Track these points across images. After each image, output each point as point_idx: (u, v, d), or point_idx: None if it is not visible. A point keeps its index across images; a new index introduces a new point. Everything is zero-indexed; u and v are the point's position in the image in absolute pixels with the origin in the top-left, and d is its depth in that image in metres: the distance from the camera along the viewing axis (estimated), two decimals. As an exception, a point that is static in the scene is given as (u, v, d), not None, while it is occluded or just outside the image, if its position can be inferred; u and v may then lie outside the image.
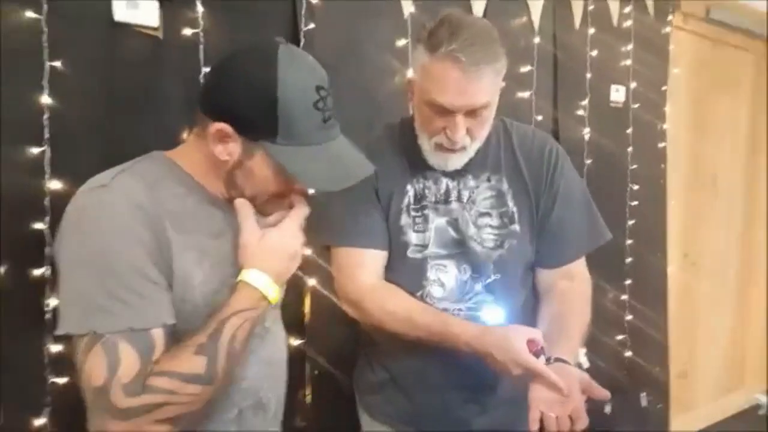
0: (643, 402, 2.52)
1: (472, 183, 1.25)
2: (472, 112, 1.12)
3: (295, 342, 1.63)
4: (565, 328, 1.19)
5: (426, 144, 1.20)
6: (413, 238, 1.24)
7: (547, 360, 1.11)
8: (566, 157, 1.31)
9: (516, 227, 1.25)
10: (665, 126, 2.60)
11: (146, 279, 0.83)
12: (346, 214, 1.25)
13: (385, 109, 1.72)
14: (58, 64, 1.27)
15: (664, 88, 2.59)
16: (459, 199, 1.24)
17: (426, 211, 1.25)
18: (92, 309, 0.81)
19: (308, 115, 0.87)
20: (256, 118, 0.86)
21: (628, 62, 2.43)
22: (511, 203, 1.25)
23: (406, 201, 1.25)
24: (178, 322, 0.88)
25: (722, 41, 2.94)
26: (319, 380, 1.69)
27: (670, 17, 2.60)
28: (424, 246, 1.24)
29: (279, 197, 0.95)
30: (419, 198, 1.25)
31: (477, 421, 1.27)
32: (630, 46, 2.42)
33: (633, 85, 2.45)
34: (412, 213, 1.25)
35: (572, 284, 1.26)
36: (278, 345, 1.07)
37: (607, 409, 2.34)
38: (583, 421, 1.04)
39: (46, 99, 1.27)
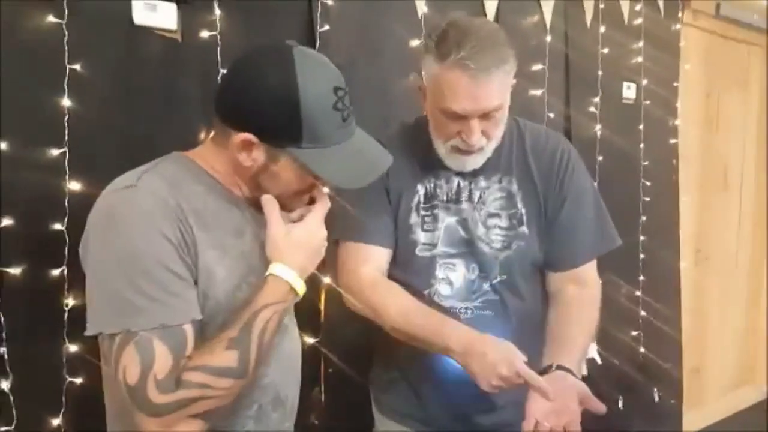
0: (656, 398, 2.52)
1: (483, 183, 1.25)
2: (485, 115, 1.13)
3: (310, 340, 1.64)
4: (569, 335, 1.19)
5: (442, 148, 1.21)
6: (422, 236, 1.25)
7: (549, 367, 1.12)
8: (579, 160, 1.31)
9: (524, 229, 1.25)
10: (677, 122, 2.60)
11: (175, 276, 0.84)
12: (354, 210, 1.26)
13: (400, 108, 1.72)
14: (78, 66, 1.29)
15: (675, 84, 2.58)
16: (470, 199, 1.25)
17: (436, 211, 1.25)
18: (124, 308, 0.82)
19: (329, 117, 0.89)
20: (280, 125, 0.87)
21: (640, 59, 2.43)
22: (520, 205, 1.25)
23: (416, 200, 1.26)
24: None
25: (732, 37, 2.93)
26: (334, 378, 1.70)
27: (680, 14, 2.59)
28: (433, 245, 1.25)
29: (302, 193, 0.97)
30: (430, 197, 1.26)
31: (485, 419, 1.28)
32: (641, 44, 2.42)
33: (644, 81, 2.45)
34: (422, 212, 1.26)
35: (580, 289, 1.26)
36: (295, 341, 1.08)
37: (620, 404, 2.35)
38: (577, 427, 1.04)
39: (66, 101, 1.28)
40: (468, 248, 1.25)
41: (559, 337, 1.19)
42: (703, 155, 2.88)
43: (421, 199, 1.26)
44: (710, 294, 3.01)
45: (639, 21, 2.41)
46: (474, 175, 1.25)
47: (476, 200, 1.25)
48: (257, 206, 1.00)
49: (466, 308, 1.24)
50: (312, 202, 1.00)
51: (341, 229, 1.28)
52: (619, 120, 2.37)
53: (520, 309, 1.26)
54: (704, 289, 2.95)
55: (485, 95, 1.10)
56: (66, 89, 1.29)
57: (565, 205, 1.25)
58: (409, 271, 1.26)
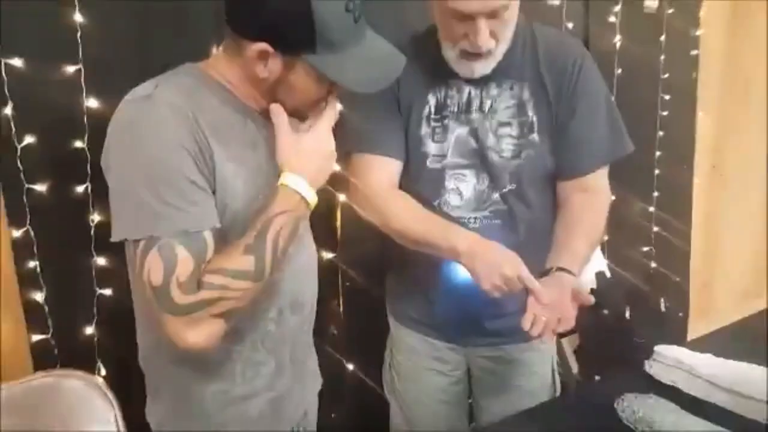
0: (663, 308, 2.59)
1: (494, 91, 1.24)
2: (493, 14, 1.10)
3: (328, 255, 1.69)
4: (571, 239, 1.21)
5: (450, 52, 1.18)
6: (432, 148, 1.26)
7: (549, 270, 1.15)
8: (593, 66, 1.27)
9: (535, 137, 1.24)
10: (698, 33, 2.51)
11: (194, 185, 0.87)
12: (365, 123, 1.27)
13: (413, 14, 1.68)
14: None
15: (700, -9, 2.47)
16: (481, 108, 1.24)
17: (446, 121, 1.25)
18: (147, 214, 0.85)
19: (342, 20, 0.88)
20: (295, 32, 0.86)
21: (664, -36, 2.31)
22: (531, 112, 1.24)
23: (426, 111, 1.25)
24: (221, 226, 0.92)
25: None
26: (351, 291, 1.77)
27: None
28: (443, 156, 1.25)
29: (318, 102, 0.97)
30: (440, 107, 1.25)
31: (493, 324, 1.33)
32: (666, -53, 2.30)
33: (668, -11, 2.34)
34: (432, 123, 1.25)
35: (588, 197, 1.26)
36: (310, 250, 1.12)
37: (627, 314, 2.41)
38: (568, 324, 1.10)
39: (78, 17, 1.27)
40: (478, 158, 1.25)
41: (561, 242, 1.21)
42: (724, 68, 2.79)
43: (432, 110, 1.25)
44: (725, 209, 3.00)
45: None
46: (485, 82, 1.23)
47: (487, 109, 1.24)
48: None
49: (475, 218, 1.26)
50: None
51: (353, 141, 1.29)
52: (639, 30, 2.28)
53: (528, 218, 1.27)
54: (718, 204, 2.94)
55: None
56: (77, 4, 1.27)
57: (576, 112, 1.24)
58: (420, 183, 1.27)
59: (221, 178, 0.90)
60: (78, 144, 1.32)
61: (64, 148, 1.32)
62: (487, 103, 1.24)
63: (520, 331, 1.30)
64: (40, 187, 1.31)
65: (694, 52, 2.52)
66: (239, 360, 1.01)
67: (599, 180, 1.29)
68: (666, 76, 2.41)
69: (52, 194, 1.32)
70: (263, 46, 0.88)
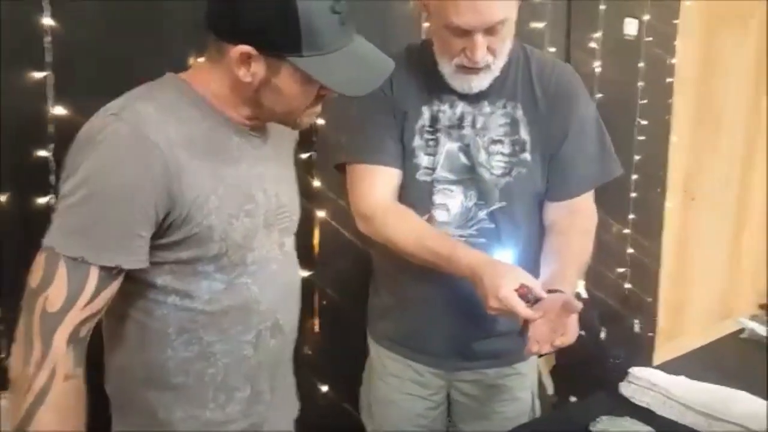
0: (636, 329, 2.61)
1: (487, 109, 1.23)
2: (490, 30, 1.10)
3: (305, 273, 1.64)
4: (563, 263, 1.20)
5: (447, 67, 1.17)
6: (424, 160, 1.24)
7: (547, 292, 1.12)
8: (584, 90, 1.28)
9: (527, 156, 1.23)
10: (674, 60, 2.56)
11: (121, 217, 0.83)
12: (361, 131, 1.25)
13: (398, 35, 1.67)
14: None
15: (675, 21, 2.53)
16: (473, 124, 1.23)
17: (438, 135, 1.23)
18: (61, 224, 0.83)
19: (328, 21, 0.85)
20: (280, 33, 0.83)
21: (642, -7, 2.36)
22: (524, 132, 1.23)
23: (420, 123, 1.23)
24: (192, 247, 0.88)
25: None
26: (328, 311, 1.73)
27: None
28: (433, 169, 1.24)
29: (306, 108, 0.94)
30: (433, 121, 1.23)
31: (482, 346, 1.30)
32: (644, -23, 2.35)
33: (646, 17, 2.39)
34: (426, 135, 1.23)
35: (576, 219, 1.26)
36: (294, 270, 1.08)
37: (602, 335, 2.42)
38: (570, 339, 1.07)
39: (48, 21, 1.22)
40: (468, 175, 1.23)
41: (552, 266, 1.19)
42: (698, 95, 2.86)
43: (426, 123, 1.23)
44: (696, 232, 3.06)
45: (642, -47, 2.33)
46: (478, 99, 1.22)
47: (479, 126, 1.22)
48: (255, 130, 0.97)
49: (460, 236, 1.24)
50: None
51: (349, 151, 1.27)
52: (619, 56, 2.32)
53: (515, 238, 1.25)
54: (690, 227, 3.00)
55: (489, 8, 1.07)
56: (47, 8, 1.22)
57: (569, 135, 1.23)
58: (408, 195, 1.25)
59: (192, 199, 0.87)
60: (42, 153, 1.26)
61: (27, 158, 1.26)
62: (480, 120, 1.23)
63: (507, 353, 1.27)
64: (0, 197, 1.24)
65: (669, 80, 2.57)
66: (212, 384, 0.96)
67: (587, 202, 1.29)
68: (644, 101, 2.45)
69: (12, 205, 1.26)
70: (246, 48, 0.85)
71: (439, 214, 1.24)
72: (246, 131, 0.95)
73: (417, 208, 1.24)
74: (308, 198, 1.63)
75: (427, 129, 1.24)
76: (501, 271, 1.09)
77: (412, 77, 1.23)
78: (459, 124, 1.23)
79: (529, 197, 1.26)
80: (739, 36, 3.01)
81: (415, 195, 1.25)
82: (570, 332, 1.07)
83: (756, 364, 1.55)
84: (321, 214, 1.64)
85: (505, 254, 1.23)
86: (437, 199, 1.24)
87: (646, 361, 2.58)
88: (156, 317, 0.92)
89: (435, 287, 1.24)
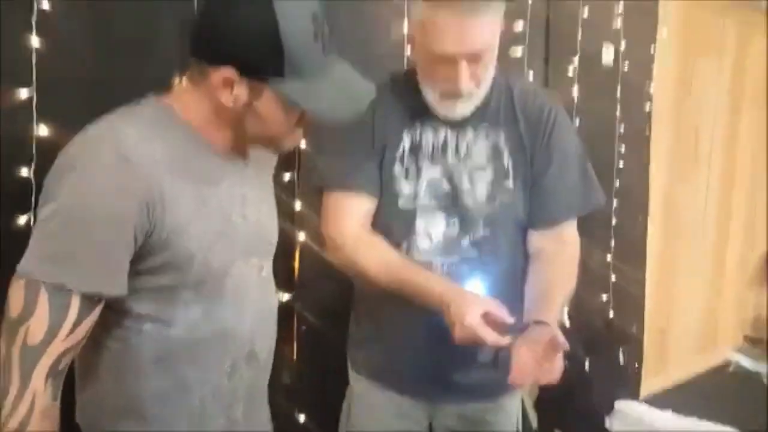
0: (621, 360, 2.60)
1: (470, 135, 1.24)
2: (474, 57, 1.11)
3: (284, 297, 1.63)
4: (548, 292, 1.20)
5: (431, 94, 1.19)
6: (405, 188, 1.24)
7: (527, 325, 1.12)
8: (566, 118, 1.30)
9: (509, 183, 1.24)
10: (652, 88, 2.62)
11: (104, 246, 0.82)
12: (338, 158, 1.25)
13: (381, 61, 1.70)
14: (46, 5, 1.22)
15: (652, 50, 2.59)
16: (456, 151, 1.23)
17: (420, 162, 1.24)
18: (36, 249, 0.81)
19: (310, 46, 0.86)
20: (262, 58, 0.84)
21: (619, 22, 2.42)
22: (506, 159, 1.24)
23: (400, 150, 1.24)
24: (171, 272, 0.87)
25: (709, 4, 2.94)
26: (307, 336, 1.70)
27: (660, -22, 2.59)
28: (415, 197, 1.24)
29: (287, 133, 0.94)
30: (415, 148, 1.24)
31: (462, 378, 1.28)
32: (621, 7, 2.41)
33: (623, 45, 2.45)
34: (406, 163, 1.24)
35: (560, 248, 1.27)
36: (272, 295, 1.07)
37: (587, 365, 2.41)
38: (554, 375, 1.07)
39: (34, 40, 1.22)
40: (451, 202, 1.23)
41: (537, 295, 1.20)
42: (675, 123, 2.92)
43: (406, 149, 1.24)
44: (677, 259, 3.08)
45: (619, -16, 2.41)
46: (462, 126, 1.23)
47: (462, 153, 1.23)
48: (237, 153, 0.97)
49: (443, 263, 1.24)
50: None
51: (325, 176, 1.27)
52: (596, 83, 2.37)
53: (499, 266, 1.25)
54: (671, 254, 3.02)
55: (473, 35, 1.09)
56: (34, 28, 1.22)
57: (551, 163, 1.24)
58: (390, 223, 1.25)
59: (173, 223, 0.86)
60: (24, 173, 1.26)
61: (8, 176, 1.26)
62: (463, 147, 1.23)
63: (490, 387, 1.25)
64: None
65: (647, 105, 2.62)
66: (185, 415, 0.94)
67: (570, 230, 1.29)
68: (622, 128, 2.49)
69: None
70: (229, 72, 0.85)
71: (422, 242, 1.24)
72: (227, 155, 0.95)
73: (398, 236, 1.24)
74: (290, 220, 1.63)
75: (408, 156, 1.24)
76: (467, 299, 1.10)
77: (395, 104, 1.24)
78: (443, 150, 1.24)
79: (513, 225, 1.27)
80: (715, 63, 3.09)
81: (396, 222, 1.25)
82: (555, 369, 1.07)
83: (744, 398, 1.54)
84: (302, 236, 1.64)
85: (488, 282, 1.22)
86: (419, 226, 1.24)
87: (633, 393, 2.56)
88: (131, 346, 0.90)
89: (416, 317, 1.22)
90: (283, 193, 1.60)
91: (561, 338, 1.06)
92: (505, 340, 1.07)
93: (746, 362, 1.73)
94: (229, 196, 0.93)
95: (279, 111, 0.89)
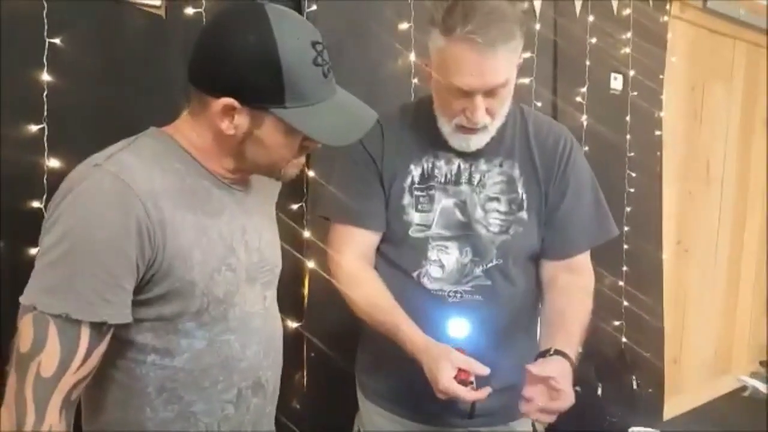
0: (635, 385, 2.56)
1: (484, 166, 1.24)
2: (490, 92, 1.12)
3: (293, 324, 1.63)
4: (565, 322, 1.19)
5: (446, 126, 1.19)
6: (416, 217, 1.24)
7: (547, 351, 1.13)
8: (580, 150, 1.31)
9: (524, 214, 1.24)
10: (662, 114, 2.62)
11: (105, 271, 0.81)
12: (343, 191, 1.26)
13: (388, 90, 1.71)
14: (57, 40, 1.25)
15: (661, 76, 2.60)
16: (469, 181, 1.24)
17: (432, 192, 1.24)
18: (42, 280, 0.81)
19: (310, 73, 0.86)
20: (262, 85, 0.84)
21: (627, 50, 2.43)
22: (521, 190, 1.24)
23: (408, 180, 1.24)
24: (174, 302, 0.87)
25: (718, 31, 2.95)
26: (316, 363, 1.70)
27: (668, 6, 2.60)
28: (427, 226, 1.24)
29: (289, 160, 0.94)
30: (426, 177, 1.24)
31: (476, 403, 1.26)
32: (629, 34, 2.43)
33: (631, 73, 2.46)
34: (416, 192, 1.24)
35: (575, 278, 1.26)
36: (276, 324, 1.07)
37: (599, 391, 2.37)
38: (565, 404, 1.07)
39: (45, 76, 1.25)
40: (464, 231, 1.24)
41: (555, 325, 1.19)
42: (686, 148, 2.91)
43: (415, 180, 1.24)
44: (690, 285, 3.04)
45: (628, 12, 2.42)
46: (475, 157, 1.24)
47: (476, 183, 1.24)
48: (238, 184, 0.98)
49: (455, 292, 1.24)
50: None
51: (328, 208, 1.29)
52: (605, 110, 2.38)
53: (511, 296, 1.25)
54: (684, 279, 2.99)
55: (491, 71, 1.09)
56: (45, 64, 1.25)
57: (566, 195, 1.25)
58: (401, 251, 1.26)
59: (175, 251, 0.86)
60: (35, 204, 1.27)
61: (19, 208, 1.27)
62: (476, 177, 1.24)
63: (501, 411, 1.24)
64: (-1, 244, 1.25)
65: (658, 133, 2.62)
66: None
67: (584, 260, 1.29)
68: (632, 154, 2.49)
69: (4, 255, 1.26)
70: (229, 100, 0.85)
71: (434, 271, 1.24)
72: (228, 184, 0.95)
73: (410, 265, 1.25)
74: (298, 248, 1.64)
75: (418, 186, 1.24)
76: (435, 358, 1.10)
77: (404, 135, 1.24)
78: (456, 180, 1.24)
79: (526, 255, 1.27)
80: (725, 87, 3.09)
81: (408, 251, 1.25)
82: (564, 398, 1.06)
83: (760, 423, 1.52)
84: (311, 264, 1.64)
85: (501, 310, 1.23)
86: (432, 255, 1.24)
87: (649, 419, 2.52)
88: (135, 376, 0.90)
89: None
90: (292, 221, 1.62)
91: (561, 385, 1.06)
92: (482, 393, 1.08)
93: (762, 387, 1.69)
94: (230, 227, 0.94)
95: (280, 138, 0.89)
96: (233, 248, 0.93)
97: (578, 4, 2.25)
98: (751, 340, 3.47)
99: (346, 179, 1.26)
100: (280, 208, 1.31)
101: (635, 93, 2.48)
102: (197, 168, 0.92)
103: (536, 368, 1.08)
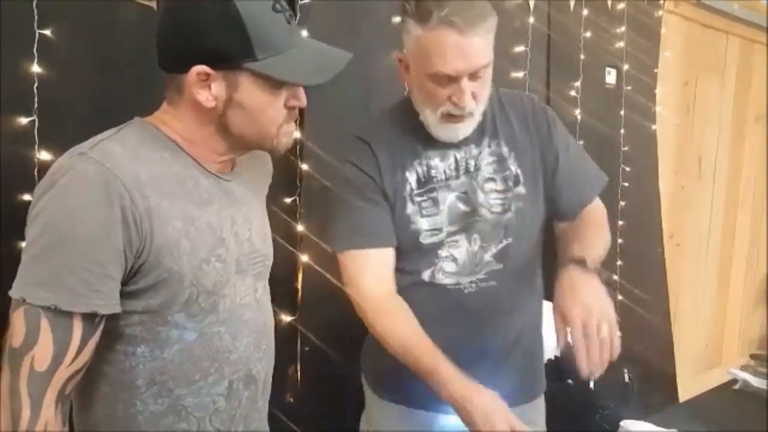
0: (626, 378, 2.57)
1: (475, 151, 1.24)
2: (474, 75, 1.11)
3: (287, 318, 1.63)
4: (585, 236, 1.21)
5: (432, 118, 1.17)
6: (424, 223, 1.21)
7: (569, 262, 1.10)
8: (552, 112, 1.33)
9: (521, 189, 1.24)
10: (657, 108, 2.62)
11: (92, 261, 0.81)
12: (349, 217, 1.21)
13: (381, 84, 1.71)
14: (48, 32, 1.24)
15: (655, 70, 2.60)
16: (467, 170, 1.23)
17: (434, 194, 1.22)
18: (30, 273, 0.80)
19: (273, 21, 0.86)
20: (230, 43, 0.84)
21: (622, 44, 2.43)
22: (513, 166, 1.24)
23: (407, 188, 1.22)
24: (162, 292, 0.86)
25: (711, 26, 2.95)
26: (310, 357, 1.70)
27: (662, 1, 2.60)
28: (438, 229, 1.21)
29: (278, 124, 0.92)
30: (424, 181, 1.22)
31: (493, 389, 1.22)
32: (623, 29, 2.43)
33: (626, 67, 2.46)
34: (417, 199, 1.21)
35: (591, 210, 1.30)
36: (268, 315, 1.06)
37: (591, 384, 2.38)
38: (611, 321, 1.01)
39: (36, 68, 1.24)
40: (469, 219, 1.23)
41: (574, 239, 1.20)
42: (678, 142, 2.91)
43: (413, 186, 1.21)
44: (682, 278, 3.06)
45: (622, 6, 2.42)
46: (465, 144, 1.23)
47: (472, 169, 1.23)
48: (227, 174, 0.96)
49: (470, 282, 1.23)
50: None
51: (336, 240, 1.23)
52: (599, 105, 2.38)
53: (522, 269, 1.27)
54: (676, 273, 3.00)
55: (474, 52, 1.08)
56: (36, 56, 1.24)
57: (560, 156, 1.26)
58: (413, 258, 1.23)
59: (163, 240, 0.85)
60: (26, 197, 1.26)
61: (10, 201, 1.26)
62: (471, 163, 1.24)
63: (525, 391, 1.25)
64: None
65: (653, 127, 2.62)
66: None
67: (594, 205, 1.32)
68: (626, 148, 2.49)
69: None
70: (201, 68, 0.84)
71: (447, 266, 1.23)
72: (216, 174, 0.94)
73: (423, 266, 1.22)
74: (292, 242, 1.63)
75: (417, 192, 1.21)
76: (492, 414, 1.03)
77: (392, 146, 1.22)
78: (456, 172, 1.23)
79: (531, 228, 1.28)
80: (718, 82, 3.10)
81: (420, 257, 1.22)
82: (609, 313, 1.03)
83: (750, 416, 1.53)
84: (305, 258, 1.63)
85: (513, 287, 1.24)
86: (443, 252, 1.22)
87: (641, 412, 2.54)
88: (124, 369, 0.89)
89: (437, 340, 1.17)
90: (286, 215, 1.61)
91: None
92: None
93: (752, 380, 1.71)
94: (219, 217, 0.93)
95: (260, 96, 0.88)
96: (223, 239, 0.92)
97: (572, 0, 2.25)
98: (741, 333, 3.50)
99: (348, 205, 1.21)
100: (273, 201, 1.31)
101: (629, 87, 2.48)
102: (184, 158, 0.91)
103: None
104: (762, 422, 1.45)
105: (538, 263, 1.34)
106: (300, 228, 1.63)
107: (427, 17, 1.07)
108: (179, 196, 0.88)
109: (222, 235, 0.92)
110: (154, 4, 1.37)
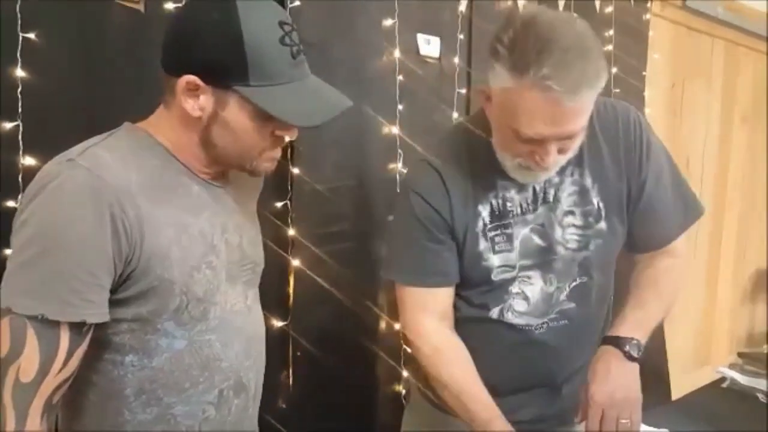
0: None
1: (556, 179, 1.11)
2: (566, 138, 0.98)
3: (279, 323, 1.61)
4: (642, 299, 1.16)
5: (508, 162, 1.06)
6: (496, 260, 1.12)
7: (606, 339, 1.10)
8: (650, 129, 1.18)
9: (602, 225, 1.13)
10: (646, 111, 2.64)
11: (81, 269, 0.79)
12: (411, 252, 1.14)
13: (372, 87, 1.70)
14: (32, 35, 1.22)
15: (644, 73, 2.62)
16: (545, 200, 1.12)
17: (509, 230, 1.12)
18: (16, 282, 0.79)
19: (276, 52, 0.84)
20: (225, 61, 0.83)
21: (610, 47, 2.44)
22: (596, 199, 1.13)
23: (480, 224, 1.11)
24: (152, 300, 0.85)
25: (697, 29, 2.98)
26: (302, 362, 1.68)
27: (648, 4, 2.62)
28: (512, 267, 1.13)
29: (263, 149, 0.91)
30: (499, 215, 1.11)
31: (543, 410, 1.22)
32: (611, 32, 2.44)
33: (614, 70, 2.47)
34: (490, 234, 1.12)
35: (670, 260, 1.20)
36: (259, 323, 1.05)
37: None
38: (635, 410, 1.03)
39: (19, 72, 1.22)
40: (545, 257, 1.13)
41: (630, 302, 1.15)
42: (666, 144, 2.92)
43: (486, 221, 1.11)
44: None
45: (610, 9, 2.43)
46: None
47: (551, 199, 1.12)
48: (218, 180, 0.96)
49: (541, 323, 1.15)
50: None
51: (396, 271, 1.18)
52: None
53: (595, 303, 1.19)
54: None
55: (569, 120, 0.93)
56: (19, 59, 1.22)
57: (646, 185, 1.14)
58: (483, 295, 1.16)
59: (154, 247, 0.84)
60: (10, 204, 1.24)
61: (-4, 207, 1.24)
62: (551, 193, 1.12)
63: (570, 413, 1.17)
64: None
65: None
66: None
67: (679, 243, 1.22)
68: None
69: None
70: (191, 78, 0.84)
71: (518, 304, 1.15)
72: (207, 181, 0.94)
73: (493, 303, 1.15)
74: (283, 247, 1.62)
75: (491, 226, 1.11)
76: None
77: (467, 177, 1.11)
78: (534, 204, 1.12)
79: (608, 264, 1.20)
80: (705, 85, 3.12)
81: (489, 291, 1.15)
82: (634, 402, 1.04)
83: (739, 414, 1.54)
84: (296, 263, 1.62)
85: (584, 329, 1.19)
86: (514, 289, 1.14)
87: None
88: (112, 378, 0.88)
89: (498, 346, 1.17)
90: (277, 220, 1.60)
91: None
92: None
93: (741, 378, 1.73)
94: (210, 223, 0.92)
95: (246, 121, 0.86)
96: (214, 246, 0.91)
97: (561, 2, 2.26)
98: (729, 332, 3.53)
99: (412, 239, 1.12)
100: (264, 205, 1.29)
101: (618, 90, 2.49)
102: (175, 164, 0.90)
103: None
104: (751, 420, 1.47)
105: (611, 286, 1.24)
106: (291, 232, 1.62)
107: (521, 71, 0.91)
108: (170, 204, 0.87)
109: (213, 242, 0.91)
110: (141, 7, 1.36)
